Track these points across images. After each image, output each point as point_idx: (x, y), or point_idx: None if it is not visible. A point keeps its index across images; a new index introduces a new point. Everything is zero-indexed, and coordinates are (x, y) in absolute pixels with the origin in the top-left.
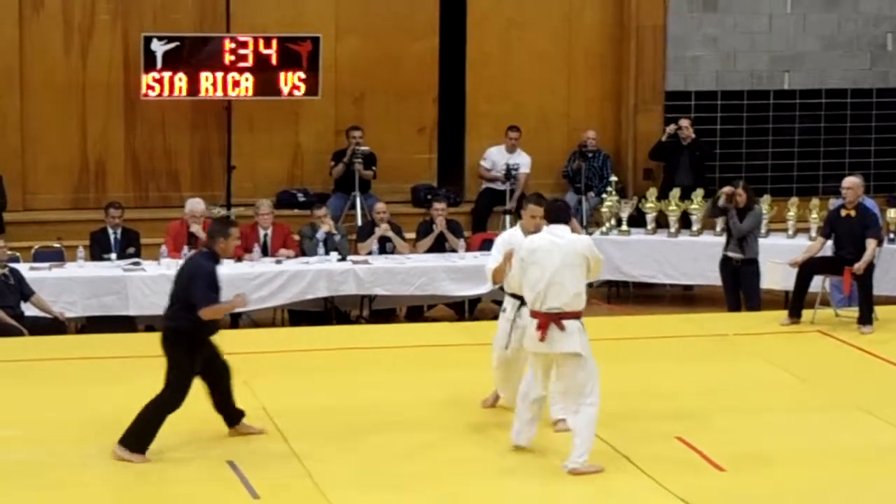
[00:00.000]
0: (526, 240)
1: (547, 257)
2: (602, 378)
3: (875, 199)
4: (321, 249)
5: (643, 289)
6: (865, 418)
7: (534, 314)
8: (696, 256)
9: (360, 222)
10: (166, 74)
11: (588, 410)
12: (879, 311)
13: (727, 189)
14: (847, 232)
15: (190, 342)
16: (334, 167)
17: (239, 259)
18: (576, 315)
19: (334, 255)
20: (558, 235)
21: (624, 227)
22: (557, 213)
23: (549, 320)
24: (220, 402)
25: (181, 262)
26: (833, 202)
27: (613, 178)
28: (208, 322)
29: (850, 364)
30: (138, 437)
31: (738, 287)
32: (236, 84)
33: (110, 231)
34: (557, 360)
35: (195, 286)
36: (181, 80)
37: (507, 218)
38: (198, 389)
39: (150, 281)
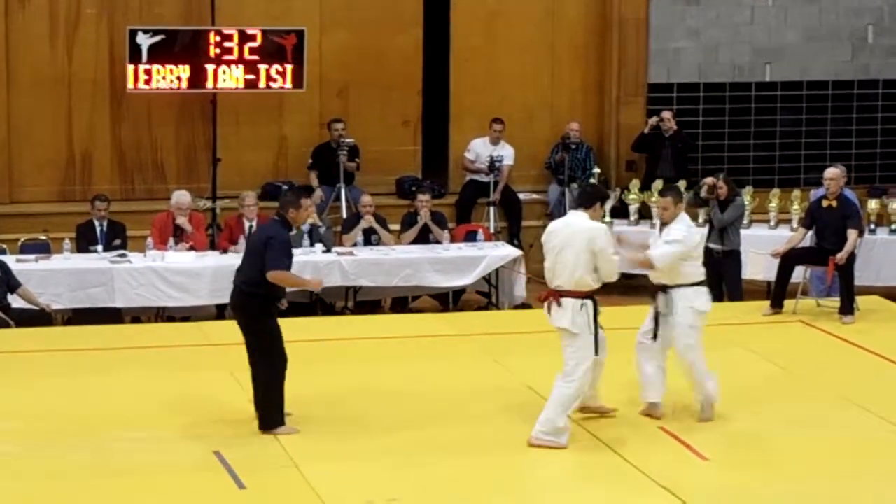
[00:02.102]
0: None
1: (555, 238)
2: None
3: (856, 191)
4: (306, 241)
5: (627, 279)
6: (848, 407)
7: (547, 291)
8: None
9: (344, 214)
10: (152, 67)
11: (563, 389)
12: (860, 301)
13: (709, 180)
14: (828, 223)
15: (264, 304)
16: (311, 165)
17: (224, 251)
18: (576, 294)
19: (319, 246)
20: (570, 222)
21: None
22: (579, 198)
23: (549, 295)
24: None
25: (161, 252)
26: (814, 193)
27: (596, 170)
28: (277, 287)
29: (832, 354)
30: (272, 413)
31: (721, 278)
32: (222, 77)
33: (96, 223)
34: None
35: (270, 249)
36: (167, 73)
37: (492, 209)
38: (187, 377)
39: (137, 273)
